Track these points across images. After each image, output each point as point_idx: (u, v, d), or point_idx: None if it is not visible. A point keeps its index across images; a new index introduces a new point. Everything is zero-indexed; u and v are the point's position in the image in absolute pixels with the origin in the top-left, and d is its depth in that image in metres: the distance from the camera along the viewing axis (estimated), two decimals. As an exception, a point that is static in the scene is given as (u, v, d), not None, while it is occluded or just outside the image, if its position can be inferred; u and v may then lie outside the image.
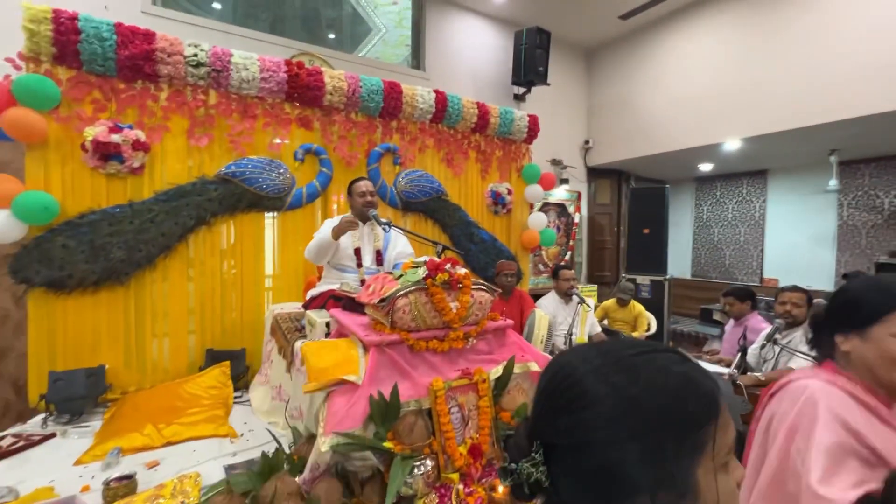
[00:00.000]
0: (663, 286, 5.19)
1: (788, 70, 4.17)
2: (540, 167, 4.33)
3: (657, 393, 0.44)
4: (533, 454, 0.49)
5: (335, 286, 2.25)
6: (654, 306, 4.71)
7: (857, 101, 3.77)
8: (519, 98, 5.25)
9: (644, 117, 5.48)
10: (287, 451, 1.68)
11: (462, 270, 1.64)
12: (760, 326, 2.88)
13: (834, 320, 0.94)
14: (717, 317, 5.28)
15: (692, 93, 4.97)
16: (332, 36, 4.54)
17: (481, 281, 1.71)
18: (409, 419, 1.41)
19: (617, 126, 5.82)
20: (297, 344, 1.96)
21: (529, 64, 4.86)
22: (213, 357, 2.74)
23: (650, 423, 0.43)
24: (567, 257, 5.75)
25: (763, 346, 2.60)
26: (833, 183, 5.26)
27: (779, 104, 4.26)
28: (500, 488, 1.43)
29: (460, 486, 1.39)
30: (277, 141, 3.03)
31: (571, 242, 5.81)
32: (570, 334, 3.15)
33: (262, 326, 2.90)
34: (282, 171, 3.00)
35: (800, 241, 6.09)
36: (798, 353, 2.40)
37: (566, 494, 0.47)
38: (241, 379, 2.75)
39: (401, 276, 1.60)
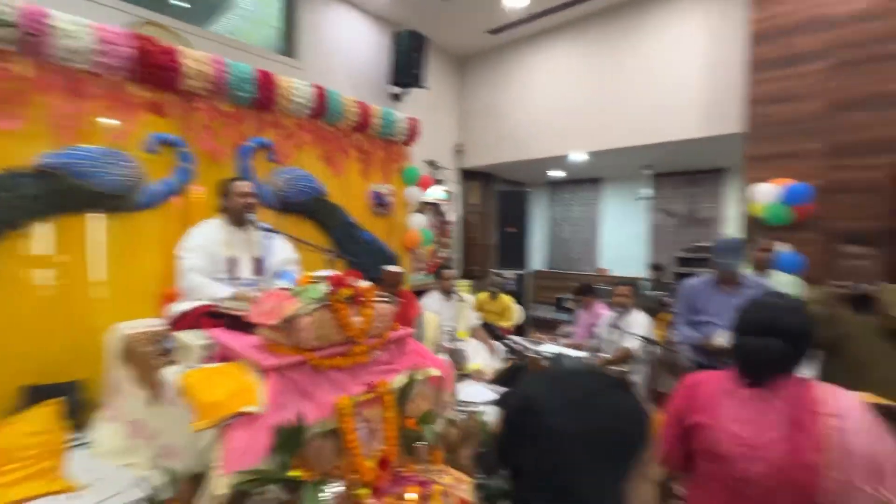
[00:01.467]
0: (525, 279, 5.84)
1: (618, 98, 5.05)
2: (418, 168, 4.45)
3: (615, 425, 0.54)
4: (502, 473, 0.56)
5: (209, 301, 2.00)
6: (517, 297, 5.27)
7: (663, 129, 4.77)
8: (396, 98, 5.29)
9: (509, 126, 6.03)
10: (159, 497, 1.46)
11: (364, 283, 1.63)
12: (604, 313, 3.48)
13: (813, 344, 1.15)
14: (568, 305, 6.15)
15: (547, 108, 5.65)
16: (180, 3, 3.93)
17: (383, 293, 1.72)
18: (317, 443, 1.36)
19: (487, 132, 6.29)
20: (169, 371, 1.70)
21: (406, 66, 4.93)
22: (35, 395, 2.18)
23: (608, 451, 0.53)
24: (443, 255, 6.03)
25: (608, 331, 3.15)
26: (645, 192, 6.54)
27: (611, 126, 5.13)
28: (406, 496, 1.48)
29: (371, 501, 1.40)
30: (104, 120, 2.49)
31: (446, 240, 6.11)
32: (453, 330, 3.36)
33: (101, 351, 2.41)
34: (127, 163, 2.51)
35: (623, 238, 7.45)
36: (631, 335, 2.97)
37: None
38: (78, 418, 2.26)
39: (299, 291, 1.52)
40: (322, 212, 3.58)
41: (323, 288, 1.50)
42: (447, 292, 3.69)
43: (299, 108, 3.37)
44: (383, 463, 1.48)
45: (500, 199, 6.32)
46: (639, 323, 3.10)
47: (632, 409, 0.57)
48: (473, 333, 3.73)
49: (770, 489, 1.07)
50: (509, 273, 5.79)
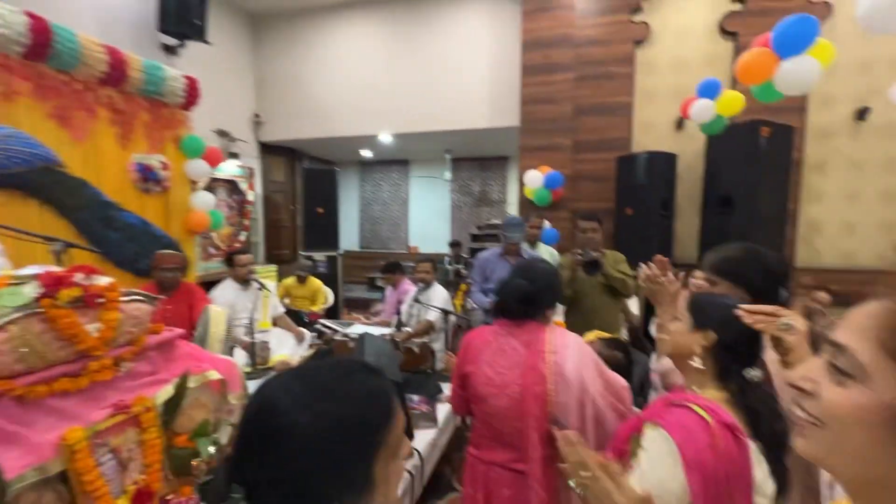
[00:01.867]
0: (336, 260, 5.71)
1: (419, 84, 5.28)
2: (204, 139, 3.80)
3: (356, 411, 0.51)
4: (233, 495, 0.49)
5: None
6: (330, 279, 5.13)
7: (458, 117, 5.21)
8: (170, 51, 4.36)
9: (313, 99, 5.68)
10: None
11: (103, 280, 1.28)
12: (410, 289, 3.67)
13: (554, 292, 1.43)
14: (379, 283, 6.31)
15: (353, 86, 5.51)
16: None
17: (135, 290, 1.39)
18: (31, 498, 1.02)
19: (288, 103, 5.78)
20: None
21: (181, 11, 4.08)
22: None
23: (352, 439, 0.50)
24: (242, 238, 5.39)
25: (411, 306, 3.33)
26: (447, 174, 7.15)
27: (413, 110, 5.34)
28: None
29: (125, 546, 1.14)
30: None
31: (246, 222, 5.47)
32: (252, 322, 3.04)
33: None
34: None
35: (429, 217, 8.01)
36: (431, 307, 3.22)
37: None
38: None
39: (-13, 299, 1.10)
40: (56, 188, 2.73)
41: (29, 290, 1.11)
42: (243, 280, 3.30)
43: (5, 43, 2.44)
44: (141, 496, 1.22)
45: (307, 178, 5.94)
46: (439, 296, 3.37)
47: (373, 391, 0.55)
48: (276, 322, 3.46)
49: (513, 419, 1.32)
50: (320, 255, 5.57)
